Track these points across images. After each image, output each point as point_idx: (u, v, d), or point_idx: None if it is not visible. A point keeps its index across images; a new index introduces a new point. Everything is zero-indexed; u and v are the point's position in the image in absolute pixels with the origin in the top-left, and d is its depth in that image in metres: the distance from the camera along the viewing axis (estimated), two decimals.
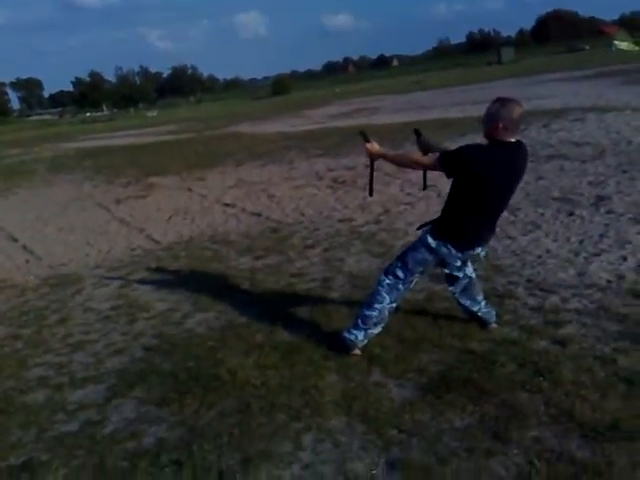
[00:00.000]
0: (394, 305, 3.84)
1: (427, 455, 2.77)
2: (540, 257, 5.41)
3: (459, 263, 3.76)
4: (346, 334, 3.83)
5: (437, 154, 3.53)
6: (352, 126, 17.70)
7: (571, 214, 6.56)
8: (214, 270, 6.17)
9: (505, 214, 6.63)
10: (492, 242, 5.87)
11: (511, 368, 3.43)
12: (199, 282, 5.80)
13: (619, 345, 3.61)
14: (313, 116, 27.26)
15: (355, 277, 5.43)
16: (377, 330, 3.84)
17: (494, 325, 4.05)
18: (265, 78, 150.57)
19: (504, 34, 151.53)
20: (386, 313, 3.81)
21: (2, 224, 10.32)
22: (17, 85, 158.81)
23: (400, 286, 3.76)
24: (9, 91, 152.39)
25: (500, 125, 3.33)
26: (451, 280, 4.00)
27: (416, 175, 9.26)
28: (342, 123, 20.56)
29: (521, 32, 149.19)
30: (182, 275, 6.15)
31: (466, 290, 4.00)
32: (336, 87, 67.30)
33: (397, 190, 8.92)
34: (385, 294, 3.75)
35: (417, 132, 4.01)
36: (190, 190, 11.33)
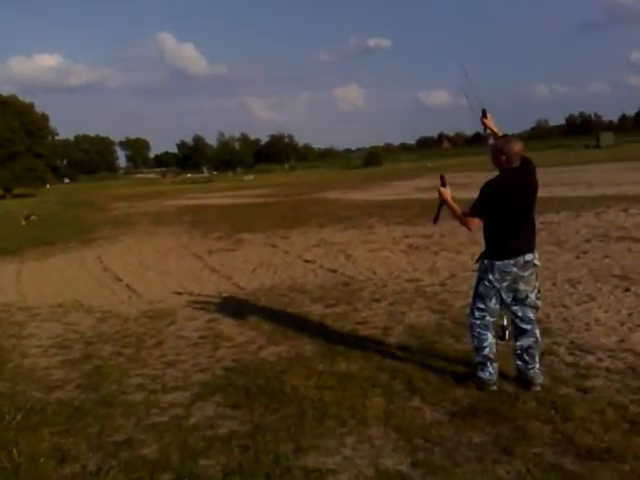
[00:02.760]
0: (492, 338, 4.45)
1: (445, 460, 3.38)
2: (588, 324, 5.83)
3: (515, 270, 4.29)
4: (478, 373, 4.44)
5: (470, 213, 4.33)
6: (436, 198, 18.41)
7: (627, 290, 6.90)
8: (289, 313, 6.99)
9: (565, 286, 7.19)
10: (547, 309, 6.40)
11: (532, 404, 3.98)
12: (275, 322, 6.61)
13: (636, 397, 4.06)
14: (400, 187, 28.21)
15: (413, 328, 6.06)
16: (494, 365, 4.42)
17: (538, 387, 4.32)
18: (359, 149, 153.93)
19: (606, 118, 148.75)
20: (494, 348, 4.44)
21: (109, 266, 11.63)
22: (126, 144, 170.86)
23: (487, 318, 4.41)
24: (118, 149, 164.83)
25: (503, 158, 4.24)
26: (519, 335, 4.48)
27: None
28: (427, 195, 21.28)
29: (623, 117, 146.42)
30: (261, 315, 6.96)
31: (530, 349, 4.44)
32: (428, 162, 67.95)
33: (467, 258, 9.48)
34: (483, 331, 4.41)
35: (442, 179, 4.65)
36: (275, 246, 12.39)
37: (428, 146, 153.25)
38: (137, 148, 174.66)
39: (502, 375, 4.49)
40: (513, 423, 3.71)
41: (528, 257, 4.36)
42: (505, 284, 4.36)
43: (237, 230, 15.64)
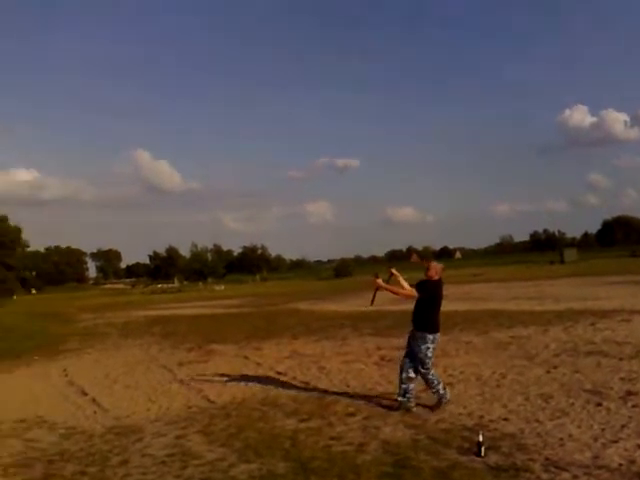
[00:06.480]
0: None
1: None
2: (562, 440, 5.80)
3: (438, 339, 7.40)
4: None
5: (414, 287, 7.37)
6: (406, 310, 18.54)
7: (599, 405, 6.93)
8: (261, 428, 6.81)
9: (538, 401, 7.20)
10: (520, 424, 6.38)
11: None
12: (246, 438, 6.44)
13: None
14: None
15: (388, 444, 5.95)
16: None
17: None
18: (330, 261, 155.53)
19: (569, 235, 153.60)
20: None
21: (75, 380, 11.29)
22: (97, 255, 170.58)
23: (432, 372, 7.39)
24: (89, 260, 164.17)
25: (433, 272, 7.38)
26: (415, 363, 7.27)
27: (460, 361, 9.98)
28: (397, 307, 21.40)
29: (586, 235, 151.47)
30: (232, 431, 6.78)
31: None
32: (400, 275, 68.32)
33: (440, 371, 9.46)
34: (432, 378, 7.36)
35: (376, 275, 7.67)
36: (247, 358, 12.23)
37: (397, 259, 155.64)
38: (109, 259, 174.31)
39: None
40: None
41: (438, 335, 7.36)
42: (433, 346, 7.29)
43: (208, 341, 15.44)
